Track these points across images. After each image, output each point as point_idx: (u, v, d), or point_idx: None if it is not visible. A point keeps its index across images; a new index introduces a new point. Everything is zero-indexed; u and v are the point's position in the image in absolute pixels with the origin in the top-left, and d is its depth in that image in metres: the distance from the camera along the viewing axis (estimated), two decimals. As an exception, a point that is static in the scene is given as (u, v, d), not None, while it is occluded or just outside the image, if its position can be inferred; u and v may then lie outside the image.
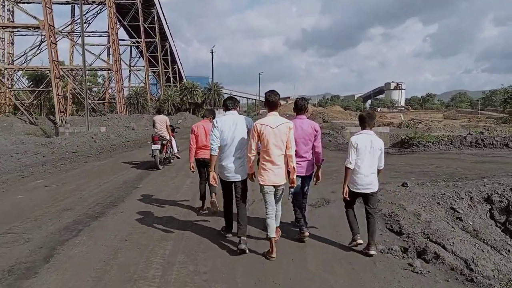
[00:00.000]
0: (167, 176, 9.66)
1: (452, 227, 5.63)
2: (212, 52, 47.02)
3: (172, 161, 11.71)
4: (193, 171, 6.13)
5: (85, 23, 45.66)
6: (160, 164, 10.66)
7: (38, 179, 9.19)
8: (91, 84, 64.88)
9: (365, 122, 4.50)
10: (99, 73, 65.46)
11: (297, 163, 4.51)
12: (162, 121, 10.73)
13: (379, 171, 4.54)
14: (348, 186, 4.50)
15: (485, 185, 7.78)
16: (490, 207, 7.26)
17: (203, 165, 6.11)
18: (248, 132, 4.52)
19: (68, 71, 44.35)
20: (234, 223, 4.74)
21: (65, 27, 43.88)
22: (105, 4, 42.76)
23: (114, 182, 8.74)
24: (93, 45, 52.08)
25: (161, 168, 10.66)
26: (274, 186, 4.35)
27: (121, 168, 10.75)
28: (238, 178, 4.54)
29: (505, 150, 15.44)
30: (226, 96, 67.72)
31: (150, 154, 10.71)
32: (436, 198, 6.79)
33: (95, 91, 58.24)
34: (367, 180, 4.42)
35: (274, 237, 4.31)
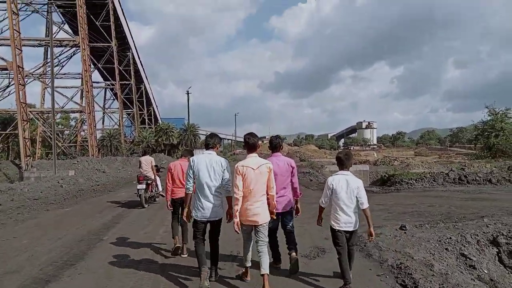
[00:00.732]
0: (137, 224, 8.59)
1: (471, 279, 4.86)
2: (188, 93, 46.74)
3: (157, 199, 12.00)
4: (170, 209, 6.13)
5: (57, 65, 44.87)
6: (145, 202, 11.10)
7: (-14, 233, 7.97)
8: (62, 127, 63.22)
9: (342, 163, 4.63)
10: (72, 115, 63.80)
11: (276, 199, 4.66)
12: (147, 161, 11.33)
13: (364, 210, 4.52)
14: (332, 226, 4.61)
15: (487, 225, 7.14)
16: (498, 250, 6.58)
17: (179, 204, 6.08)
18: (224, 173, 4.59)
19: (38, 113, 42.88)
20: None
21: (37, 70, 42.81)
22: (79, 46, 42.22)
23: (76, 233, 7.60)
24: (66, 87, 51.10)
25: (146, 207, 11.04)
26: (255, 226, 4.46)
27: (85, 217, 9.57)
28: (214, 217, 4.59)
29: (489, 186, 15.14)
30: (202, 136, 68.16)
31: (136, 193, 11.11)
32: (443, 243, 6.05)
33: (67, 134, 56.55)
34: (347, 218, 4.51)
35: (249, 266, 4.61)
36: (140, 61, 62.88)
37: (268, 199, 4.50)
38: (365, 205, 4.52)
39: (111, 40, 50.01)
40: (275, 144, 5.19)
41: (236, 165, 4.46)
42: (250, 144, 4.57)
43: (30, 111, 39.63)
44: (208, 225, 4.67)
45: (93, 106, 44.85)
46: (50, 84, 42.10)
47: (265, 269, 4.39)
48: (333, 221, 4.59)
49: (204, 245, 4.68)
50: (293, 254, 4.99)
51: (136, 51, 60.46)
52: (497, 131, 35.33)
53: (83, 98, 45.82)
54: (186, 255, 5.87)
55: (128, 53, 57.10)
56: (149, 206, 11.29)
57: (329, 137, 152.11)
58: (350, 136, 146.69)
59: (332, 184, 4.54)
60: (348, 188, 4.49)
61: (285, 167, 5.03)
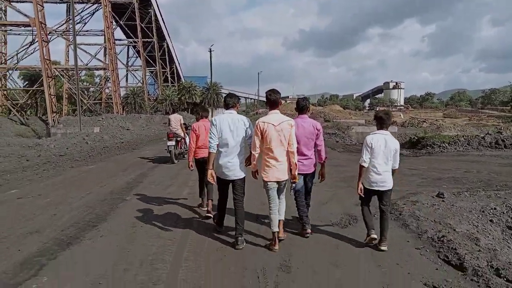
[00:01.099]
0: (161, 184, 8.43)
1: (523, 256, 4.41)
2: (210, 51, 45.75)
3: (185, 156, 11.88)
4: (191, 169, 5.96)
5: (80, 22, 44.47)
6: (176, 158, 11.48)
7: (12, 189, 7.93)
8: (88, 84, 63.73)
9: (383, 122, 4.56)
10: (97, 73, 64.05)
11: (299, 161, 4.66)
12: (176, 119, 11.57)
13: (394, 171, 4.59)
14: (362, 184, 4.57)
15: (533, 195, 6.61)
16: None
17: (203, 164, 5.89)
18: (246, 131, 4.59)
19: (63, 70, 43.09)
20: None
21: (60, 26, 42.56)
22: (101, 3, 41.48)
23: (99, 193, 7.48)
24: (89, 44, 50.73)
25: (176, 162, 11.38)
26: (277, 182, 4.48)
27: (109, 175, 9.48)
28: (238, 176, 4.60)
29: (529, 151, 14.30)
30: (225, 95, 66.87)
31: (166, 149, 11.63)
32: (487, 215, 5.57)
33: (92, 91, 57.01)
34: (382, 178, 4.48)
35: (277, 231, 4.49)
36: (162, 18, 61.76)
37: (289, 156, 4.45)
38: (397, 166, 4.61)
39: (133, -4, 49.06)
40: (302, 106, 5.09)
41: (256, 121, 4.45)
42: (271, 100, 4.54)
43: (55, 68, 39.82)
44: (231, 184, 4.71)
45: (116, 63, 44.73)
46: (73, 41, 42.10)
47: (281, 215, 4.64)
48: (364, 180, 4.57)
49: (226, 206, 4.88)
50: (307, 232, 4.91)
51: (158, 8, 59.23)
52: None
53: (106, 55, 45.60)
54: (207, 209, 5.83)
55: (149, 10, 56.07)
56: (178, 162, 11.56)
57: (354, 97, 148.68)
58: (376, 96, 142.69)
59: (372, 143, 4.48)
60: (386, 148, 4.47)
61: (311, 129, 4.96)
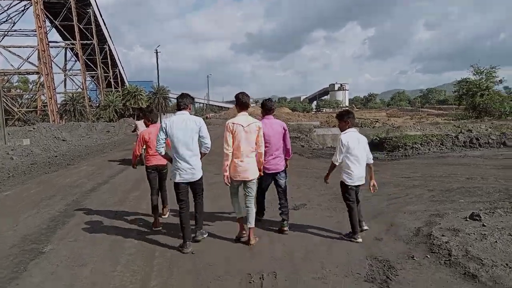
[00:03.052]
0: (100, 220, 6.08)
1: None
2: (156, 52, 42.88)
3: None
4: (135, 167, 6.16)
5: (7, 21, 40.06)
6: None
7: None
8: (21, 91, 58.23)
9: (351, 122, 4.80)
10: (31, 78, 58.44)
11: (269, 160, 5.00)
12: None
13: (369, 165, 4.89)
14: (345, 182, 4.75)
15: None
16: None
17: (156, 172, 5.68)
18: (199, 132, 4.57)
19: (-13, 76, 38.50)
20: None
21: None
22: (30, 0, 37.48)
23: (4, 241, 5.11)
24: (20, 47, 45.90)
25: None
26: (244, 182, 4.62)
27: (28, 207, 6.98)
28: (196, 177, 4.60)
29: (505, 149, 13.55)
30: (173, 100, 64.54)
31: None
32: None
33: (26, 98, 51.92)
34: (360, 173, 4.73)
35: (242, 216, 4.67)
36: (103, 19, 57.98)
37: (256, 156, 4.67)
38: (371, 160, 4.91)
39: (68, -6, 45.16)
40: (269, 107, 5.27)
41: (226, 122, 4.62)
42: (242, 102, 4.69)
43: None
44: (194, 184, 4.67)
45: (51, 67, 40.78)
46: (1, 44, 37.63)
47: (251, 223, 4.64)
48: (346, 178, 4.74)
49: (188, 213, 4.64)
50: (285, 230, 5.06)
51: (98, 8, 55.35)
52: (483, 90, 34.19)
53: (40, 58, 41.38)
54: (166, 216, 5.96)
55: (88, 10, 52.23)
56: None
57: (301, 99, 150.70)
58: (323, 98, 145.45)
59: (348, 141, 4.68)
60: (360, 144, 4.74)
61: (278, 129, 5.16)
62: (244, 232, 4.69)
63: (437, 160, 11.44)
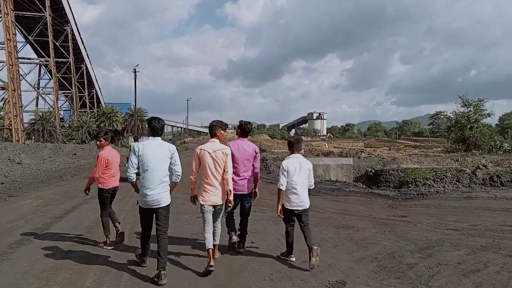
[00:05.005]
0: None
1: None
2: (135, 71, 40.59)
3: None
4: (87, 194, 5.66)
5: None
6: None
7: None
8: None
9: (293, 146, 4.95)
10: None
11: (237, 181, 5.06)
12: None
13: (309, 190, 4.91)
14: (284, 206, 4.83)
15: None
16: None
17: (111, 195, 5.68)
18: (172, 158, 4.56)
19: None
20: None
21: None
22: (0, 11, 34.86)
23: None
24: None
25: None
26: (213, 206, 4.69)
27: None
28: (161, 204, 4.48)
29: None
30: (148, 118, 61.17)
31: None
32: None
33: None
34: (301, 198, 4.78)
35: (211, 248, 4.58)
36: (81, 38, 55.63)
37: (225, 182, 4.70)
38: (312, 186, 4.97)
39: (45, 10, 42.76)
40: (247, 129, 5.34)
41: (195, 148, 4.81)
42: (212, 130, 4.89)
43: None
44: (159, 211, 4.50)
45: (19, 82, 37.76)
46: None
47: (217, 240, 4.81)
48: (285, 201, 4.84)
49: (150, 237, 4.62)
50: (241, 249, 5.22)
51: (76, 25, 53.09)
52: (472, 123, 33.26)
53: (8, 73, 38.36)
54: (110, 248, 5.50)
55: (66, 28, 49.81)
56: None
57: (280, 127, 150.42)
58: (301, 126, 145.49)
59: (288, 166, 4.79)
60: (301, 169, 4.80)
61: (250, 151, 5.20)
62: (210, 262, 4.55)
63: (467, 203, 9.47)
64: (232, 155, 4.92)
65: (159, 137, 4.59)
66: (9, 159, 18.44)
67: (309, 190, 4.86)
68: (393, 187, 14.12)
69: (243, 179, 5.11)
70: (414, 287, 4.06)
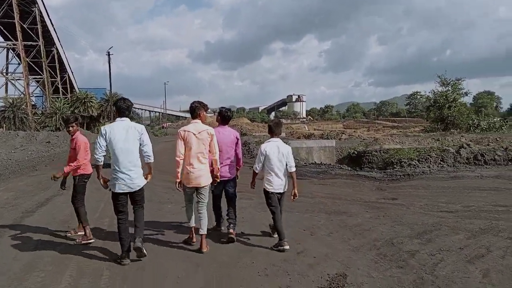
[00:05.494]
0: None
1: None
2: (108, 54, 39.15)
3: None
4: (64, 189, 5.47)
5: None
6: None
7: None
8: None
9: (272, 131, 5.03)
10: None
11: (220, 168, 4.92)
12: None
13: (291, 173, 4.95)
14: (267, 189, 4.93)
15: None
16: None
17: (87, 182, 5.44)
18: (141, 139, 4.43)
19: None
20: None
21: None
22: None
23: None
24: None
25: None
26: (197, 188, 4.68)
27: None
28: (135, 188, 4.39)
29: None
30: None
31: None
32: None
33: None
34: (280, 181, 4.90)
35: (194, 225, 4.79)
36: (50, 20, 53.19)
37: (211, 163, 4.74)
38: (293, 168, 4.96)
39: (8, -11, 40.61)
40: (227, 117, 5.33)
41: (178, 130, 4.80)
42: (192, 110, 4.82)
43: None
44: (129, 196, 4.45)
45: (-15, 68, 35.95)
46: None
47: (204, 230, 4.68)
48: (267, 184, 4.94)
49: (127, 224, 4.44)
50: (231, 233, 5.05)
51: (44, 6, 50.63)
52: (450, 103, 33.61)
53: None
54: (92, 240, 5.14)
55: (33, 8, 47.45)
56: None
57: (260, 110, 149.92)
58: (281, 109, 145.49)
59: (266, 150, 4.90)
60: (279, 153, 4.88)
61: (231, 138, 5.23)
62: (193, 238, 4.74)
63: (455, 183, 9.35)
64: None
65: (127, 118, 4.48)
66: (-23, 149, 17.46)
67: (290, 174, 4.93)
68: (378, 169, 13.97)
69: (225, 165, 5.12)
70: (419, 277, 3.81)
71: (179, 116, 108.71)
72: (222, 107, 5.47)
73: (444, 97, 34.13)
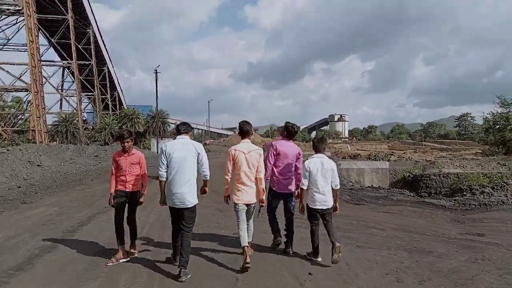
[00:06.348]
0: None
1: None
2: (156, 72, 39.88)
3: None
4: (113, 205, 5.04)
5: (-1, 36, 37.31)
6: None
7: None
8: (14, 110, 55.02)
9: (316, 146, 5.08)
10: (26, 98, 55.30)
11: (281, 181, 5.18)
12: None
13: (335, 191, 4.95)
14: (308, 205, 4.96)
15: None
16: None
17: (127, 199, 5.04)
18: (198, 157, 4.54)
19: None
20: None
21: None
22: (23, 13, 34.69)
23: None
24: (13, 64, 42.66)
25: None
26: (247, 205, 4.77)
27: None
28: (187, 205, 4.47)
29: None
30: (172, 125, 61.38)
31: None
32: None
33: (19, 118, 48.52)
34: (324, 197, 4.87)
35: (247, 245, 4.64)
36: (103, 40, 55.76)
37: (256, 181, 4.79)
38: (338, 186, 4.99)
39: (67, 12, 42.72)
40: (293, 132, 5.42)
41: (229, 149, 4.87)
42: (244, 130, 4.89)
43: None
44: (184, 212, 4.50)
45: (42, 84, 37.64)
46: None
47: (250, 237, 4.84)
48: (309, 200, 4.96)
49: (179, 236, 4.57)
50: (289, 248, 5.22)
51: (98, 28, 53.17)
52: (512, 124, 31.06)
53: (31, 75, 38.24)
54: (127, 259, 4.94)
55: (88, 30, 49.91)
56: None
57: (301, 129, 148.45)
58: (322, 128, 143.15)
59: (310, 166, 4.89)
60: (323, 169, 4.86)
61: (294, 152, 5.29)
62: (246, 259, 4.60)
63: None
64: (279, 154, 5.17)
65: (187, 136, 4.65)
66: (29, 161, 17.77)
67: (334, 191, 4.93)
68: (444, 195, 12.63)
69: (287, 178, 5.21)
70: None
71: (221, 133, 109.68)
72: (288, 122, 5.48)
73: (505, 118, 31.66)
